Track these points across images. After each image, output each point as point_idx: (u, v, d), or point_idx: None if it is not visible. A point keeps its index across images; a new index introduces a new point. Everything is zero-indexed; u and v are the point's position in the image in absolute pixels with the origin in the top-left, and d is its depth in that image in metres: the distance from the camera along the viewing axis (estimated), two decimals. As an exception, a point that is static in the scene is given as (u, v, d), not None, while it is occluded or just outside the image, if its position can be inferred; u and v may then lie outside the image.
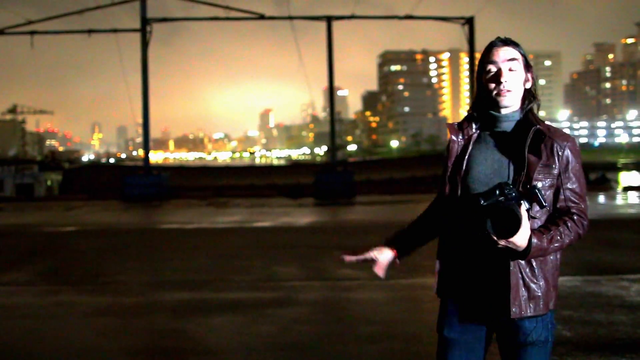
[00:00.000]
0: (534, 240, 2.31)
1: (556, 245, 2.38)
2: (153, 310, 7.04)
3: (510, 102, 2.48)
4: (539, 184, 2.39)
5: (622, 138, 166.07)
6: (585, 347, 5.23)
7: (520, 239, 2.26)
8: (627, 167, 64.79)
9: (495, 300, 2.45)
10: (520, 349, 2.48)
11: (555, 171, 2.42)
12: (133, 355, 5.40)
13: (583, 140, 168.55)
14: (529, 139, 2.43)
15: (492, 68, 2.48)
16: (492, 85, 2.48)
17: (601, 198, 22.67)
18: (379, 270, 2.80)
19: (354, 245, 11.60)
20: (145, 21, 26.60)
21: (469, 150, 2.52)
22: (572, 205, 2.45)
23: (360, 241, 12.22)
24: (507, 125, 2.50)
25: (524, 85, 2.51)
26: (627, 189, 28.05)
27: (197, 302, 7.30)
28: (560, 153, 2.42)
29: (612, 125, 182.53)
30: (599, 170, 42.76)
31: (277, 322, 6.33)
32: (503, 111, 2.49)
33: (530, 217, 2.36)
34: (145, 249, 11.96)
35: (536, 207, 2.37)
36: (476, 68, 2.61)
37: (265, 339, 5.73)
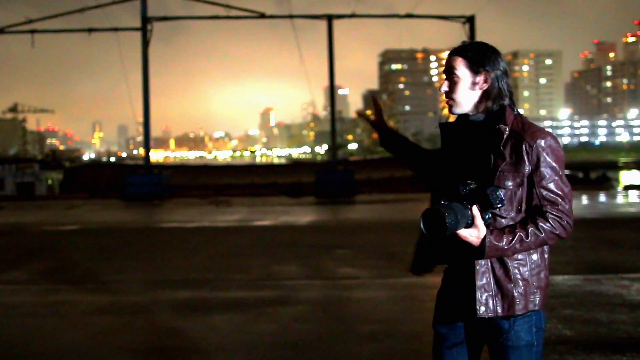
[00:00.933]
0: (489, 239, 2.33)
1: (519, 245, 2.37)
2: (153, 309, 7.04)
3: (459, 111, 2.54)
4: (509, 183, 2.40)
5: (623, 137, 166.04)
6: (586, 345, 5.22)
7: (471, 237, 2.32)
8: (628, 166, 64.76)
9: (467, 298, 2.48)
10: (501, 351, 2.48)
11: (526, 170, 2.40)
12: (133, 354, 5.40)
13: (584, 139, 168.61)
14: (494, 139, 2.44)
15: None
16: (442, 96, 2.58)
17: (602, 197, 22.65)
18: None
19: (354, 244, 11.62)
20: (145, 20, 26.56)
21: (448, 149, 2.61)
22: (547, 204, 2.41)
23: (361, 240, 12.23)
24: (474, 127, 2.54)
25: (473, 89, 2.51)
26: (627, 187, 28.03)
27: (197, 301, 7.30)
28: (529, 151, 2.40)
29: (613, 124, 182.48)
30: (600, 169, 42.75)
31: (278, 321, 6.33)
32: (470, 116, 2.54)
33: (498, 216, 2.40)
34: (146, 248, 11.96)
35: (508, 207, 2.41)
36: None
37: (266, 338, 5.73)
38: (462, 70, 2.50)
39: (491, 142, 2.43)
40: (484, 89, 2.50)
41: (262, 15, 28.08)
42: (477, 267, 2.41)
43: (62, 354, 5.45)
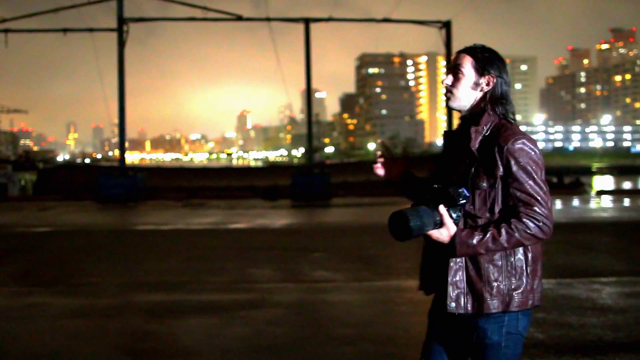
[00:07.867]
0: (459, 236, 2.41)
1: (492, 244, 2.40)
2: (127, 312, 6.99)
3: (456, 105, 2.63)
4: (483, 184, 2.46)
5: (596, 142, 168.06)
6: (557, 349, 5.28)
7: (442, 236, 2.42)
8: (601, 172, 65.53)
9: (441, 294, 2.56)
10: (474, 348, 2.56)
11: (500, 172, 2.45)
12: (106, 358, 5.35)
13: (558, 144, 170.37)
14: (471, 139, 2.52)
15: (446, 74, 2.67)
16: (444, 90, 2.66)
17: (575, 202, 22.91)
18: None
19: (329, 247, 11.62)
20: (121, 20, 26.37)
21: (444, 155, 2.68)
22: (520, 204, 2.44)
23: (336, 243, 12.24)
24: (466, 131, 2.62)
25: (475, 89, 2.59)
26: (600, 193, 28.37)
27: (171, 304, 7.26)
28: (500, 154, 2.44)
29: (587, 130, 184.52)
30: (574, 174, 43.18)
31: (252, 324, 6.32)
32: (463, 113, 2.64)
33: (474, 217, 2.48)
34: (120, 250, 11.86)
35: (477, 205, 2.47)
36: None
37: (240, 341, 5.71)
38: (468, 68, 2.59)
39: (470, 142, 2.51)
40: (485, 91, 2.58)
41: (239, 18, 28.01)
42: (451, 264, 2.48)
43: (34, 357, 5.38)
